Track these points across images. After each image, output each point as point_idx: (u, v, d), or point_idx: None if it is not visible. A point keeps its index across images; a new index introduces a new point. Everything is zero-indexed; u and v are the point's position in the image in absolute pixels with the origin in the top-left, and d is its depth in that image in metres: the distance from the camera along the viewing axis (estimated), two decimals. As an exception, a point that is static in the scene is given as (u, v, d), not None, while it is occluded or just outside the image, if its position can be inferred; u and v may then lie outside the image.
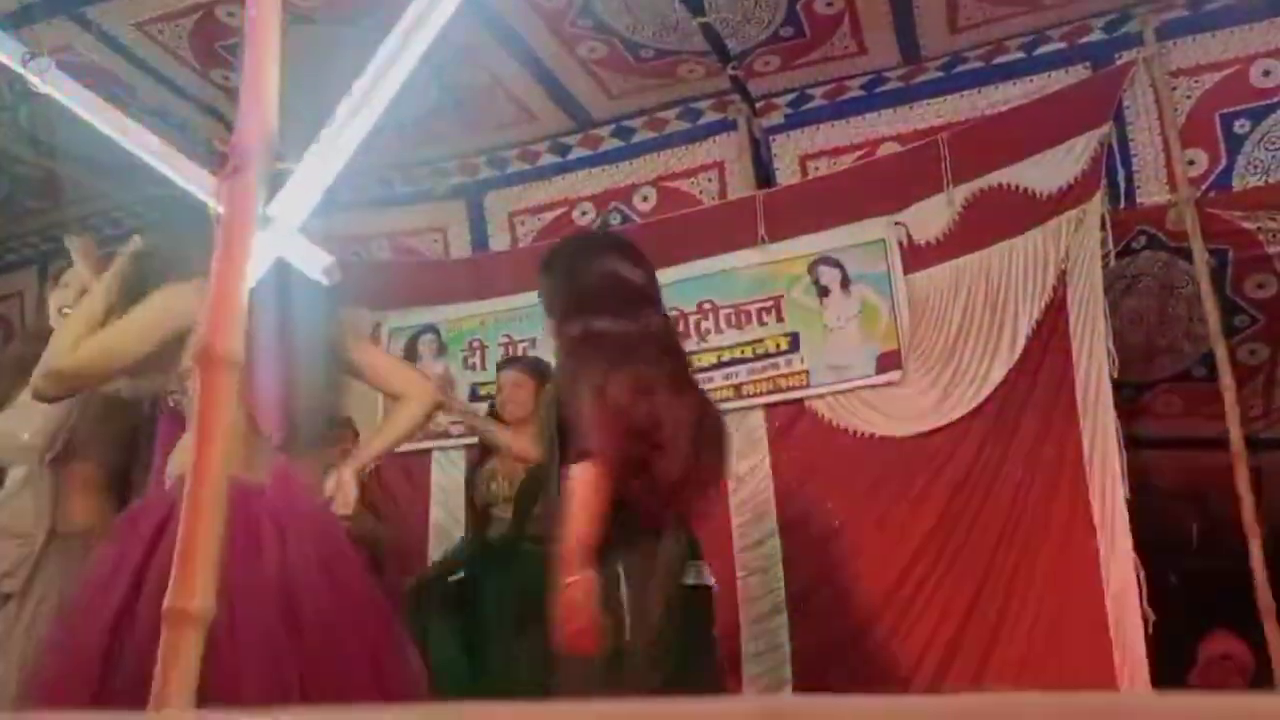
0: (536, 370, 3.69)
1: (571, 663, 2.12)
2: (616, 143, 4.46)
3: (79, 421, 2.63)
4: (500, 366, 3.99)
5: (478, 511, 3.75)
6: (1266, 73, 3.54)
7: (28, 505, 2.59)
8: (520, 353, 4.29)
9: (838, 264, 3.96)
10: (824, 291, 3.97)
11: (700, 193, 4.37)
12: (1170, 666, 3.88)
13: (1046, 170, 3.65)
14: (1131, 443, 3.38)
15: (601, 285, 2.50)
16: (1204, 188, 3.58)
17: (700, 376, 4.03)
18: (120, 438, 2.68)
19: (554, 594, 2.20)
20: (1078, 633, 3.23)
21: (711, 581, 2.46)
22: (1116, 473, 3.25)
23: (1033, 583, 3.36)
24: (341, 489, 2.29)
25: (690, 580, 2.33)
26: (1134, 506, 3.24)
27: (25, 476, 2.63)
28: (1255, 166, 3.54)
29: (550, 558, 3.14)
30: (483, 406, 4.18)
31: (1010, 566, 3.41)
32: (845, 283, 3.94)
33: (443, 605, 3.59)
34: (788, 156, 4.25)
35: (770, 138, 4.27)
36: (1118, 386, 3.42)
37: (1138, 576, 3.14)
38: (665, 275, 4.13)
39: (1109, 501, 3.25)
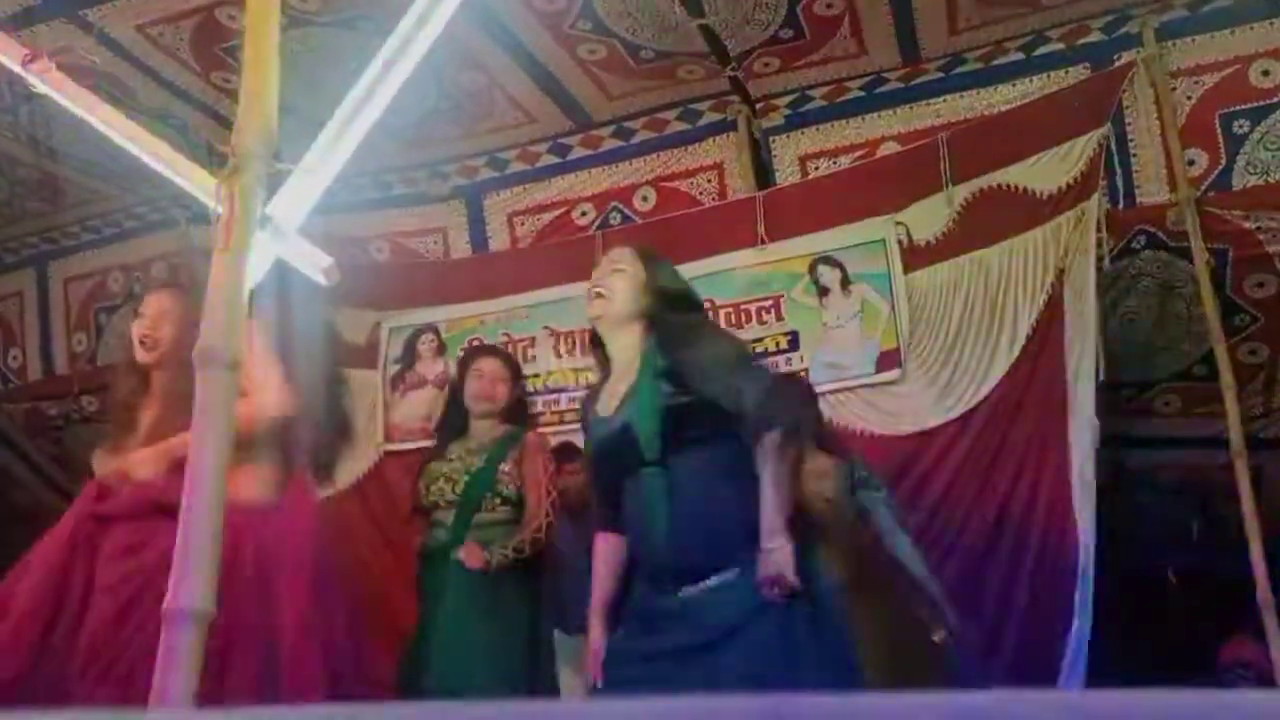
0: (513, 366, 3.60)
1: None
2: (616, 143, 4.46)
3: None
4: (474, 353, 3.71)
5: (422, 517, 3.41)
6: (1266, 72, 3.54)
7: None
8: (520, 353, 4.29)
9: (837, 264, 3.96)
10: (824, 291, 3.97)
11: (700, 193, 4.37)
12: (1188, 669, 3.88)
13: (1046, 170, 3.65)
14: (1132, 442, 3.38)
15: None
16: (1204, 187, 3.58)
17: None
18: None
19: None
20: (1055, 627, 3.23)
21: None
22: (1090, 471, 3.24)
23: (1019, 581, 3.36)
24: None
25: None
26: (1134, 505, 3.23)
27: None
28: (1255, 166, 3.54)
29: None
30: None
31: (1004, 562, 3.42)
32: (845, 282, 3.94)
33: None
34: (787, 157, 4.25)
35: (770, 138, 4.27)
36: (1118, 386, 3.42)
37: (1088, 571, 3.14)
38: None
39: (1083, 496, 3.25)
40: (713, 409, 2.25)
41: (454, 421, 3.49)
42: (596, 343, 2.54)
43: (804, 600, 2.16)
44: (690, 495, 2.24)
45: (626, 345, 2.42)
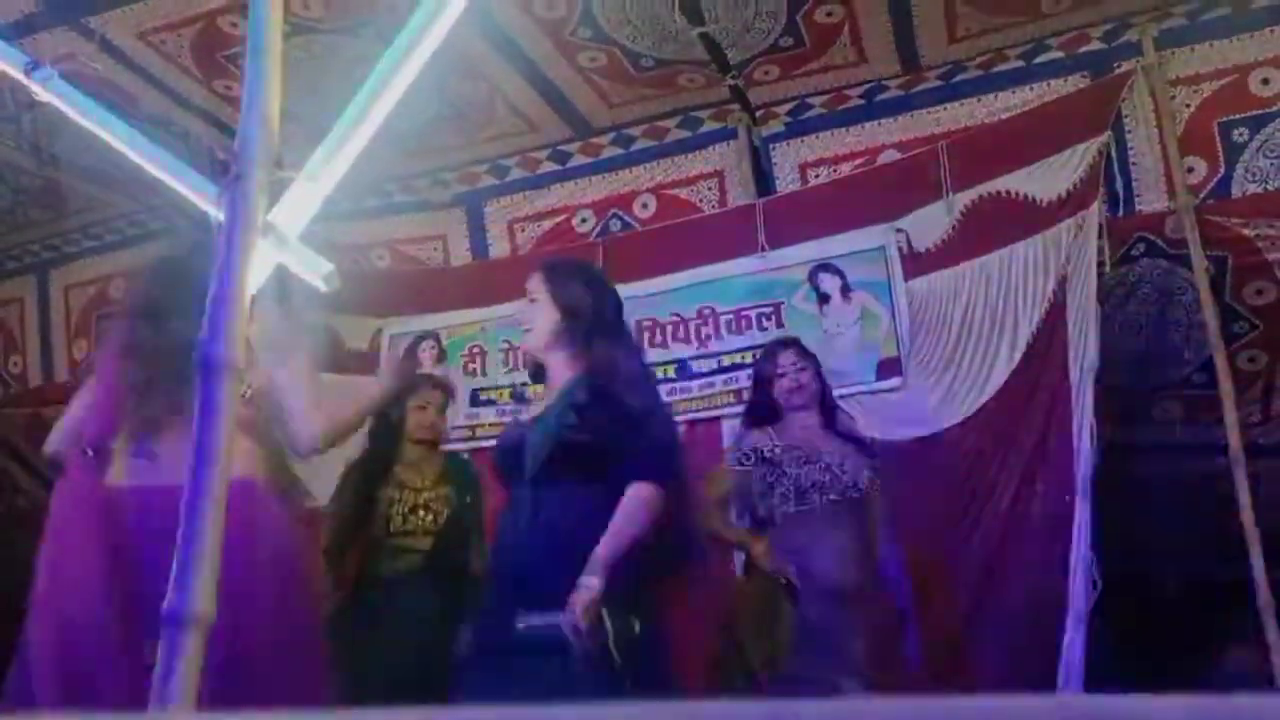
0: (448, 394, 3.60)
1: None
2: (617, 151, 4.47)
3: None
4: (419, 382, 3.57)
5: (372, 538, 3.31)
6: (1265, 81, 3.55)
7: None
8: (520, 360, 4.29)
9: (838, 271, 3.97)
10: (824, 298, 3.98)
11: (700, 201, 4.38)
12: (1187, 674, 3.88)
13: (1046, 178, 3.66)
14: (1131, 449, 3.37)
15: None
16: (1203, 195, 3.59)
17: (700, 381, 4.08)
18: None
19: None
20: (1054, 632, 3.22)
21: None
22: (1087, 476, 3.24)
23: (1020, 584, 3.36)
24: None
25: None
26: (1133, 512, 3.23)
27: None
28: (1254, 174, 3.55)
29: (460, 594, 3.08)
30: (485, 412, 4.18)
31: (1007, 566, 3.41)
32: (845, 290, 3.95)
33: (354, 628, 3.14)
34: (788, 165, 4.26)
35: (770, 146, 4.28)
36: (1117, 393, 3.41)
37: (1093, 582, 3.13)
38: (666, 282, 4.19)
39: (1082, 502, 3.24)
40: (604, 454, 2.24)
41: (386, 445, 3.44)
42: (539, 371, 2.52)
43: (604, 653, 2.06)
44: (548, 528, 2.23)
45: (556, 370, 2.43)
